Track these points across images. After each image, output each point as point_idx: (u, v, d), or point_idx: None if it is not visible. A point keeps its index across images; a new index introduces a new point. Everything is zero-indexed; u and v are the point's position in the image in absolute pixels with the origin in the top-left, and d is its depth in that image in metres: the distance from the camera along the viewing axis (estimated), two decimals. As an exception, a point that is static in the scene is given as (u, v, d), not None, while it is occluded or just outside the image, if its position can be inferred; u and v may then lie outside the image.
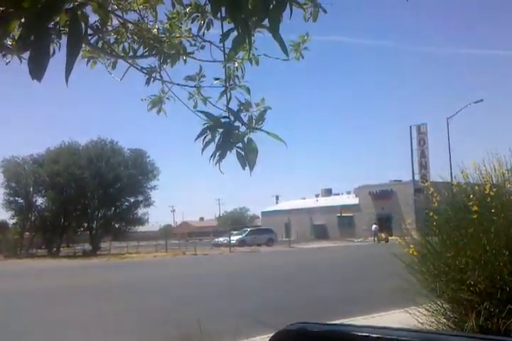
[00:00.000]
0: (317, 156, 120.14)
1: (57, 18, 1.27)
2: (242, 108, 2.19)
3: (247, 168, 1.85)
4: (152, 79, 3.34)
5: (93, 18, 2.86)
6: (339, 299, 10.38)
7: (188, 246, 41.72)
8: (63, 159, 42.17)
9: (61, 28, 1.53)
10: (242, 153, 1.84)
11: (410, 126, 48.44)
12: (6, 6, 1.14)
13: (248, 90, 3.00)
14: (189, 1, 3.11)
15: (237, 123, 1.92)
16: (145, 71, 3.34)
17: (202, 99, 3.25)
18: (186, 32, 3.32)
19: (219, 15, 1.52)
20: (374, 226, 44.07)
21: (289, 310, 8.83)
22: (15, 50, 2.63)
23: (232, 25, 1.70)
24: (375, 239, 42.73)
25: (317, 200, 64.94)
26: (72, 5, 1.30)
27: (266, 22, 1.46)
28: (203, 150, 1.86)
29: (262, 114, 2.10)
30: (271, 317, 7.97)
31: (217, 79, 2.97)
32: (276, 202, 75.97)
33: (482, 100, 40.27)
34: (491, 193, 5.54)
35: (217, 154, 1.82)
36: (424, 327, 5.48)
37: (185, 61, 3.38)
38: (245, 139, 1.87)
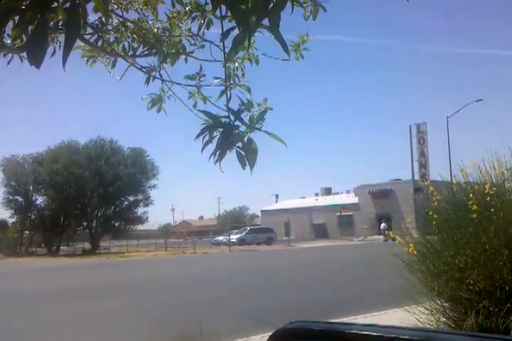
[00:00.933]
0: (317, 155, 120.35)
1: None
2: (243, 108, 2.19)
3: (247, 167, 1.85)
4: (152, 78, 3.33)
5: (93, 17, 2.86)
6: (339, 299, 10.40)
7: (187, 244, 41.74)
8: (63, 158, 42.17)
9: (59, 26, 1.53)
10: (242, 152, 1.84)
11: (410, 125, 48.48)
12: None
13: (249, 89, 3.01)
14: (189, 1, 3.11)
15: (237, 123, 1.92)
16: (145, 70, 3.34)
17: (202, 99, 3.25)
18: (186, 31, 3.32)
19: (219, 14, 1.53)
20: (383, 224, 43.84)
21: (287, 310, 8.83)
22: (15, 49, 2.63)
23: (232, 25, 1.71)
24: (384, 237, 42.53)
25: (317, 199, 64.94)
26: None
27: (265, 22, 1.46)
28: (202, 149, 1.86)
29: (262, 114, 2.10)
30: (270, 316, 8.00)
31: (217, 78, 2.97)
32: (276, 201, 76.02)
33: (482, 99, 40.27)
34: (491, 192, 5.54)
35: (217, 153, 1.82)
36: (424, 325, 5.49)
37: (185, 60, 3.38)
38: (245, 139, 1.87)
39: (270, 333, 1.23)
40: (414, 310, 5.69)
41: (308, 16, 2.91)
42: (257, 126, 1.99)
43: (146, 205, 47.27)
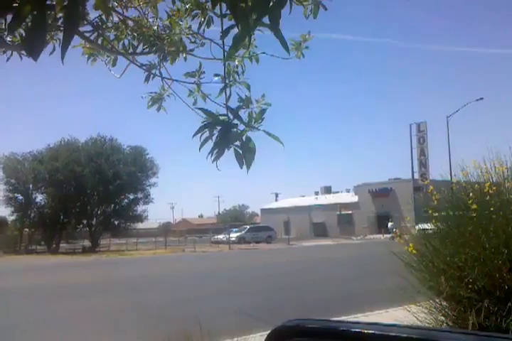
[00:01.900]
0: (317, 154, 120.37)
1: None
2: (242, 104, 2.19)
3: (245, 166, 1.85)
4: (152, 76, 3.33)
5: (93, 15, 2.86)
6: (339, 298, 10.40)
7: (187, 243, 41.75)
8: (63, 156, 42.15)
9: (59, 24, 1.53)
10: (240, 151, 1.84)
11: (410, 124, 48.49)
12: None
13: (248, 86, 3.00)
14: (189, -2, 3.11)
15: (236, 121, 1.91)
16: (145, 68, 3.34)
17: (202, 96, 3.25)
18: (186, 29, 3.31)
19: (219, 12, 1.52)
20: (390, 223, 43.75)
21: (286, 309, 8.84)
22: (15, 46, 2.63)
23: (232, 23, 1.70)
24: (391, 236, 42.33)
25: (316, 198, 64.97)
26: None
27: (265, 20, 1.46)
28: (200, 147, 1.85)
29: (261, 112, 2.09)
30: (269, 314, 8.01)
31: (216, 75, 2.96)
32: (276, 200, 76.01)
33: (482, 98, 40.35)
34: (491, 191, 5.54)
35: (215, 152, 1.81)
36: (423, 324, 5.48)
37: (185, 58, 3.38)
38: (243, 138, 1.87)
39: (268, 331, 1.23)
40: (414, 309, 5.69)
41: (309, 15, 2.91)
42: (256, 124, 1.98)
43: (146, 203, 47.38)
